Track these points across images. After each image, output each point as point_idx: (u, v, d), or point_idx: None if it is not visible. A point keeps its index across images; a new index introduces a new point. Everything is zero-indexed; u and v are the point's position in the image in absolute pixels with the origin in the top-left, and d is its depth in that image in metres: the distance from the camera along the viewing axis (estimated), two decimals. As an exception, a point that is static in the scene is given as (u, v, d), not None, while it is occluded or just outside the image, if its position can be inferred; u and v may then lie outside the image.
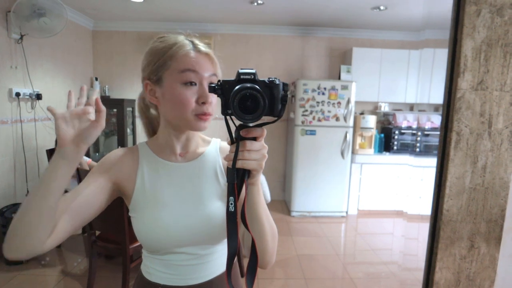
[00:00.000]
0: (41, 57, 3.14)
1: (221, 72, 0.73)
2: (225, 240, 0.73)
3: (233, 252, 0.56)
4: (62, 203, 0.62)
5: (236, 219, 0.54)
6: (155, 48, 0.70)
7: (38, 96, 3.04)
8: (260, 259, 0.61)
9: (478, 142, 0.54)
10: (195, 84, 0.67)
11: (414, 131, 4.00)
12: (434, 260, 0.56)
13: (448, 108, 0.54)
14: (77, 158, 0.57)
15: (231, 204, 0.54)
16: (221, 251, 0.75)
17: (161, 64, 0.68)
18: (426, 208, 3.82)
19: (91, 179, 0.69)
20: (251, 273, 0.56)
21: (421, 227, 3.75)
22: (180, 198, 0.71)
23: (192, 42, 0.69)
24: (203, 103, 0.66)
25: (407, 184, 3.91)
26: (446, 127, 0.55)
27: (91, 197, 0.67)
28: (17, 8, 2.59)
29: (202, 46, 0.69)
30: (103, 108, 0.57)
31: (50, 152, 2.84)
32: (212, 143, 0.80)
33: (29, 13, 2.58)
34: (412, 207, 3.89)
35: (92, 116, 0.57)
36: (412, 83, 4.00)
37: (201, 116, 0.67)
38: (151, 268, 0.74)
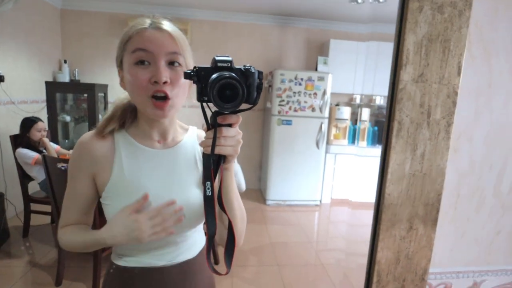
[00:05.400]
0: (2, 35, 2.89)
1: (191, 53, 0.70)
2: (198, 226, 0.76)
3: (212, 233, 0.58)
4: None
5: (214, 203, 0.56)
6: (122, 33, 0.68)
7: (0, 78, 2.85)
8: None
9: (417, 131, 0.58)
10: (149, 63, 0.64)
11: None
12: (376, 240, 0.61)
13: (392, 98, 0.58)
14: None
15: (208, 188, 0.55)
16: (195, 237, 0.77)
17: (121, 47, 0.67)
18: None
19: (76, 182, 0.72)
20: (229, 252, 0.58)
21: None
22: (159, 185, 0.71)
23: (153, 21, 0.66)
24: (156, 82, 0.63)
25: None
26: (389, 117, 0.58)
27: (86, 196, 0.72)
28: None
29: (164, 24, 0.65)
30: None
31: (14, 138, 2.69)
32: (190, 131, 0.81)
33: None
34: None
35: None
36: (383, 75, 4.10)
37: (156, 102, 0.64)
38: (124, 256, 0.73)
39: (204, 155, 0.56)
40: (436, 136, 0.59)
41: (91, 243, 0.69)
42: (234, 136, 0.56)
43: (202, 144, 0.56)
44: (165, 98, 0.64)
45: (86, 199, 0.72)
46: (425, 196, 0.60)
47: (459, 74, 0.57)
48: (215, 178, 0.56)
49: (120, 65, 0.69)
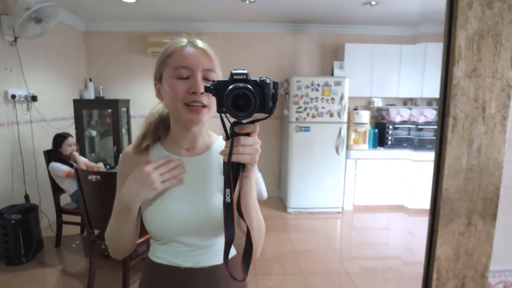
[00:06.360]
0: (34, 59, 3.12)
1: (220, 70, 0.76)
2: None
3: (230, 239, 0.60)
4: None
5: (232, 209, 0.59)
6: (162, 50, 0.76)
7: (34, 98, 3.03)
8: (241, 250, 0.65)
9: (473, 126, 0.59)
10: (188, 77, 0.70)
11: (409, 125, 4.06)
12: (435, 237, 0.61)
13: (445, 95, 0.58)
14: None
15: (227, 195, 0.58)
16: (222, 243, 0.78)
17: (161, 62, 0.73)
18: (422, 202, 3.83)
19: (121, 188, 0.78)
20: (246, 259, 0.61)
21: (417, 221, 3.75)
22: (185, 190, 0.75)
23: (190, 41, 0.73)
24: (194, 92, 0.69)
25: (404, 178, 3.95)
26: (443, 113, 0.59)
27: None
28: (10, 11, 2.57)
29: (199, 43, 0.73)
30: None
31: (48, 154, 2.83)
32: (219, 139, 0.85)
33: (25, 19, 2.56)
34: (409, 201, 3.95)
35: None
36: (404, 77, 4.06)
37: (192, 107, 0.69)
38: (156, 253, 0.80)
39: (224, 163, 0.59)
40: (492, 130, 0.59)
41: (117, 208, 0.74)
42: (252, 145, 0.58)
43: (222, 153, 0.59)
44: (201, 106, 0.70)
45: None
46: (483, 191, 0.60)
47: (512, 67, 0.57)
48: (234, 185, 0.59)
49: (159, 79, 0.75)
